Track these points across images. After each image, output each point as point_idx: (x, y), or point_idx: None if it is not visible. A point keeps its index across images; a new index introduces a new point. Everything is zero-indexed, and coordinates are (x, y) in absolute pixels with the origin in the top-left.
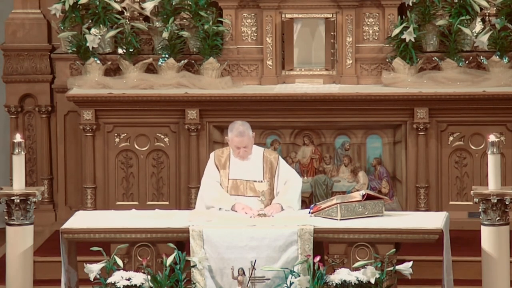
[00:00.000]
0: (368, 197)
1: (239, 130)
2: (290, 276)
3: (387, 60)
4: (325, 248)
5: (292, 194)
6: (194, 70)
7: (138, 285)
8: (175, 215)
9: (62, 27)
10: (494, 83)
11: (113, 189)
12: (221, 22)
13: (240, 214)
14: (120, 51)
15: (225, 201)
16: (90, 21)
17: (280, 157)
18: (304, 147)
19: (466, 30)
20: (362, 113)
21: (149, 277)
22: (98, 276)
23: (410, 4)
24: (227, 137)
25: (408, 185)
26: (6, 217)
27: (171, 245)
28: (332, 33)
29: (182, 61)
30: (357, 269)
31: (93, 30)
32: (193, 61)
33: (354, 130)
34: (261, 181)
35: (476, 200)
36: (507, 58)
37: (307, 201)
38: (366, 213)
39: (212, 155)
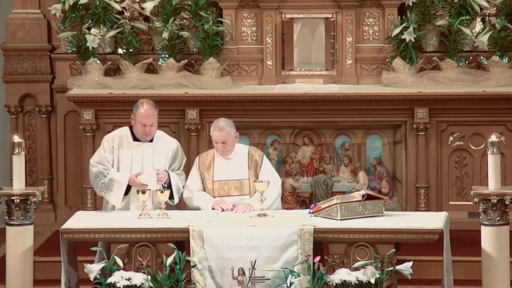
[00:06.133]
0: (368, 197)
1: (219, 125)
2: (290, 276)
3: (387, 60)
4: (325, 248)
5: (267, 200)
6: (194, 70)
7: (138, 285)
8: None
9: (62, 27)
10: (494, 83)
11: None
12: (221, 22)
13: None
14: (120, 51)
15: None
16: (90, 21)
17: (264, 155)
18: (304, 147)
19: (466, 30)
20: (362, 113)
21: (149, 277)
22: (98, 276)
23: (410, 4)
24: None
25: (408, 185)
26: (6, 217)
27: (171, 245)
28: (332, 33)
29: (182, 61)
30: (357, 269)
31: (93, 30)
32: (193, 61)
33: (354, 130)
34: (262, 181)
35: (476, 200)
36: (507, 58)
37: (307, 201)
38: (366, 213)
39: (196, 160)
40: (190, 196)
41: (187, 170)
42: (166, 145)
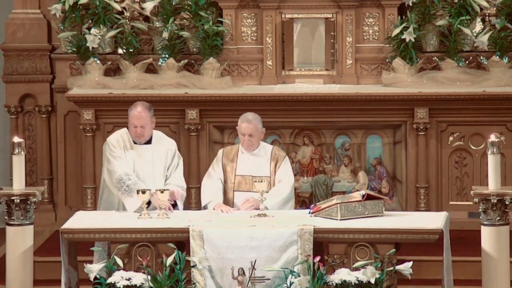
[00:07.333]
0: (368, 197)
1: (247, 118)
2: (290, 276)
3: (387, 60)
4: (325, 248)
5: (274, 199)
6: (194, 70)
7: (138, 285)
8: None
9: (62, 27)
10: (494, 83)
11: None
12: (221, 22)
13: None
14: (120, 51)
15: (212, 202)
16: (90, 21)
17: (287, 157)
18: (304, 147)
19: (466, 30)
20: (362, 113)
21: (149, 277)
22: (98, 276)
23: (410, 4)
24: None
25: (408, 185)
26: (6, 217)
27: (171, 245)
28: (332, 33)
29: (182, 61)
30: (357, 269)
31: (93, 30)
32: (193, 61)
33: (354, 130)
34: (261, 181)
35: (476, 200)
36: (507, 58)
37: (307, 201)
38: (366, 213)
39: (220, 152)
40: (205, 184)
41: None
42: (165, 146)
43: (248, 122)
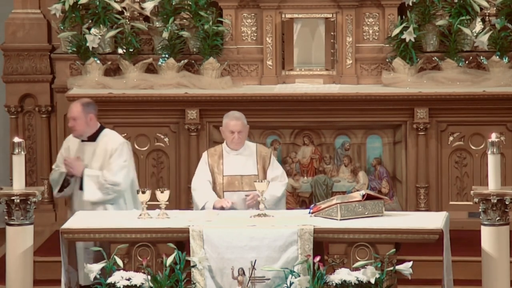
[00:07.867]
0: (368, 197)
1: (235, 115)
2: (290, 276)
3: (387, 60)
4: (325, 248)
5: (270, 196)
6: (194, 70)
7: (138, 285)
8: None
9: (62, 27)
10: (494, 83)
11: None
12: (221, 22)
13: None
14: (120, 51)
15: (208, 202)
16: (90, 21)
17: (271, 152)
18: (304, 147)
19: (466, 30)
20: (362, 113)
21: (149, 277)
22: (98, 276)
23: (410, 4)
24: (221, 127)
25: (408, 185)
26: (6, 217)
27: (171, 245)
28: (332, 33)
29: (182, 61)
30: (357, 269)
31: (93, 30)
32: (193, 61)
33: (354, 130)
34: (262, 181)
35: (476, 200)
36: (507, 58)
37: (307, 201)
38: (366, 213)
39: (204, 154)
40: (197, 186)
41: (193, 167)
42: (106, 145)
43: (237, 119)
